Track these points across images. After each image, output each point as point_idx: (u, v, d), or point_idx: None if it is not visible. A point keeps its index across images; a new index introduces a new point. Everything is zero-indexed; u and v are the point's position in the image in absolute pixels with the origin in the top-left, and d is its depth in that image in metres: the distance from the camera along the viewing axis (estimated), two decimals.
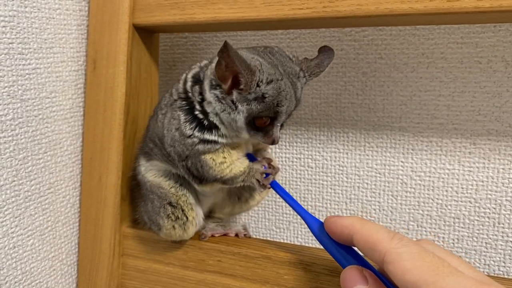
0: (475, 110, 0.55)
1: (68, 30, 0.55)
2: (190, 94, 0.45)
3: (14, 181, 0.50)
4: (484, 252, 0.57)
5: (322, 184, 0.64)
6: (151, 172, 0.51)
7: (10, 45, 0.48)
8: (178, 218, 0.49)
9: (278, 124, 0.43)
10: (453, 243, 0.59)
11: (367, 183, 0.61)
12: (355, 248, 0.38)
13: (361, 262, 0.37)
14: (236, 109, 0.42)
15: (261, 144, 0.49)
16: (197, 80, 0.45)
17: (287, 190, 0.66)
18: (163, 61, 0.70)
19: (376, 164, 0.61)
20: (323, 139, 0.63)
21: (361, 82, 0.59)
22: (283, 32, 0.62)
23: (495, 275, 0.57)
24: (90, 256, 0.57)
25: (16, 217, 0.51)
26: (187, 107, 0.45)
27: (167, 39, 0.70)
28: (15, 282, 0.51)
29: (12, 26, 0.48)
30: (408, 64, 0.57)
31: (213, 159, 0.45)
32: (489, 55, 0.54)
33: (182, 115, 0.45)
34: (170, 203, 0.49)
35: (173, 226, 0.49)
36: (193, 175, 0.47)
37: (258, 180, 0.45)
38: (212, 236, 0.53)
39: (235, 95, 0.41)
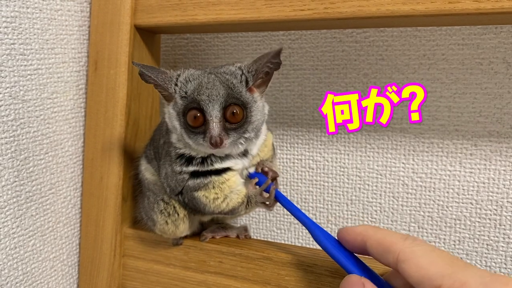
0: (476, 111, 0.55)
1: (70, 31, 0.56)
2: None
3: (15, 181, 0.50)
4: (485, 253, 0.57)
5: (323, 185, 0.64)
6: (149, 171, 0.52)
7: (12, 45, 0.48)
8: (170, 214, 0.49)
9: (212, 119, 0.41)
10: (454, 245, 0.59)
11: (368, 185, 0.61)
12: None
13: (365, 268, 0.37)
14: (170, 115, 0.44)
15: (257, 158, 0.49)
16: None
17: (288, 191, 0.66)
18: (165, 62, 0.71)
19: (377, 166, 0.61)
20: (324, 140, 0.63)
21: (362, 83, 0.59)
22: (284, 33, 0.62)
23: None
24: (91, 257, 0.57)
25: (17, 218, 0.51)
26: None
27: (168, 40, 0.70)
28: (16, 283, 0.51)
29: (14, 27, 0.48)
30: (409, 65, 0.57)
31: (206, 197, 0.46)
32: (490, 57, 0.54)
33: (173, 151, 0.47)
34: (163, 199, 0.50)
35: (166, 222, 0.50)
36: (192, 210, 0.48)
37: (263, 203, 0.46)
38: (213, 237, 0.53)
39: (171, 105, 0.44)
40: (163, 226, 0.50)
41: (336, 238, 0.40)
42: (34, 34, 0.51)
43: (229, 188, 0.46)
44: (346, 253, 0.38)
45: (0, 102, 0.48)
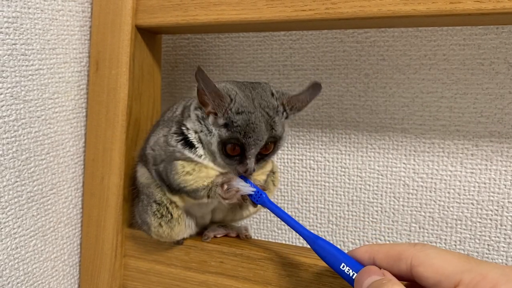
0: (478, 112, 0.55)
1: (71, 31, 0.56)
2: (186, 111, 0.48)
3: (16, 182, 0.50)
4: (486, 254, 0.57)
5: (324, 185, 0.64)
6: (144, 175, 0.52)
7: (13, 46, 0.48)
8: (163, 215, 0.49)
9: (250, 156, 0.43)
10: (455, 245, 0.59)
11: (369, 185, 0.61)
12: None
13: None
14: (210, 131, 0.44)
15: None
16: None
17: (289, 191, 0.66)
18: (166, 62, 0.71)
19: (378, 166, 0.61)
20: (325, 140, 0.63)
21: (364, 84, 0.60)
22: (285, 33, 0.62)
23: None
24: (92, 257, 0.57)
25: (18, 218, 0.51)
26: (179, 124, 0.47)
27: (169, 40, 0.70)
28: (18, 283, 0.51)
29: (15, 27, 0.48)
30: (410, 65, 0.57)
31: (183, 166, 0.46)
32: (491, 57, 0.54)
33: (174, 127, 0.47)
34: (155, 201, 0.49)
35: (160, 224, 0.49)
36: (162, 180, 0.48)
37: (220, 194, 0.45)
38: (215, 237, 0.53)
39: (210, 118, 0.44)
40: (157, 229, 0.50)
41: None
42: (36, 35, 0.51)
43: (206, 173, 0.46)
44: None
45: (2, 103, 0.48)
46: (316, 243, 0.40)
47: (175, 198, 0.49)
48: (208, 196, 0.46)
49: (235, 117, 0.42)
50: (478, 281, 0.29)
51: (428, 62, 0.56)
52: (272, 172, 0.52)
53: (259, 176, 0.48)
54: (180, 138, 0.46)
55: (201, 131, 0.45)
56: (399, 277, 0.35)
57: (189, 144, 0.46)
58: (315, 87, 0.46)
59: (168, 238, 0.51)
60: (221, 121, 0.43)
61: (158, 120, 0.53)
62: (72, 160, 0.58)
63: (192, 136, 0.46)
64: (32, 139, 0.52)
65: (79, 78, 0.57)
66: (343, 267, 0.37)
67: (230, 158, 0.44)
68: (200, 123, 0.45)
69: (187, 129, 0.46)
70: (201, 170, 0.46)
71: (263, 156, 0.45)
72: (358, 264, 0.37)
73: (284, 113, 0.44)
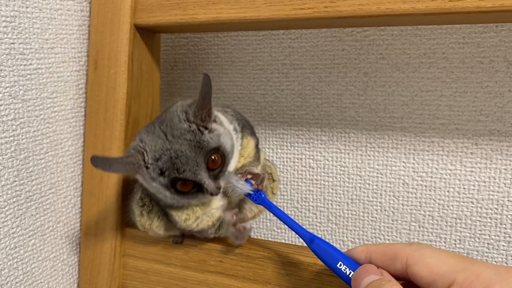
0: (477, 110, 0.55)
1: (70, 31, 0.56)
2: None
3: (15, 181, 0.50)
4: (486, 253, 0.57)
5: (324, 184, 0.64)
6: None
7: (12, 45, 0.48)
8: (145, 204, 0.49)
9: (202, 181, 0.42)
10: (455, 244, 0.58)
11: (368, 184, 0.61)
12: None
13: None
14: (158, 188, 0.43)
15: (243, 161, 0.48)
16: None
17: (289, 190, 0.66)
18: (165, 62, 0.71)
19: (377, 165, 0.60)
20: (324, 139, 0.63)
21: (363, 82, 0.59)
22: (284, 32, 0.62)
23: None
24: (91, 257, 0.57)
25: (17, 217, 0.51)
26: None
27: (168, 40, 0.70)
28: (16, 283, 0.51)
29: (14, 27, 0.48)
30: (409, 64, 0.57)
31: (178, 216, 0.46)
32: (491, 55, 0.54)
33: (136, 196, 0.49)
34: (141, 191, 0.49)
35: (141, 213, 0.49)
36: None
37: (235, 235, 0.46)
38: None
39: (145, 179, 0.43)
40: (139, 218, 0.50)
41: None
42: (34, 34, 0.51)
43: (202, 211, 0.46)
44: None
45: (0, 102, 0.48)
46: (314, 242, 0.40)
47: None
48: (216, 232, 0.47)
49: (159, 164, 0.41)
50: (472, 280, 0.29)
51: (428, 60, 0.56)
52: (272, 180, 0.52)
53: (247, 159, 0.47)
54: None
55: (163, 195, 0.44)
56: (395, 277, 0.35)
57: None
58: (204, 80, 0.41)
59: (151, 231, 0.50)
60: (152, 175, 0.42)
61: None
62: (71, 160, 0.58)
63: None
64: (30, 139, 0.52)
65: (77, 77, 0.57)
66: (340, 265, 0.37)
67: (192, 193, 0.43)
68: (156, 190, 0.44)
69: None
70: (194, 211, 0.46)
71: (218, 169, 0.43)
72: (355, 263, 0.37)
73: (200, 128, 0.42)
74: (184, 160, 0.41)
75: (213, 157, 0.42)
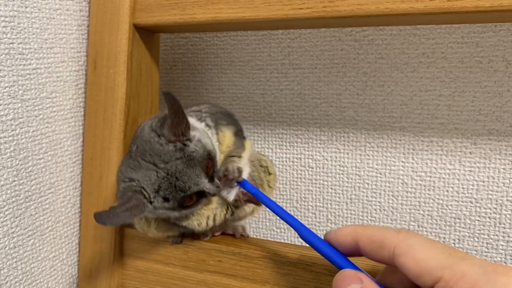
0: (476, 110, 0.55)
1: (69, 30, 0.56)
2: None
3: (14, 181, 0.50)
4: (485, 252, 0.57)
5: (323, 184, 0.64)
6: None
7: (11, 45, 0.48)
8: None
9: (204, 188, 0.42)
10: (454, 243, 0.59)
11: (367, 183, 0.61)
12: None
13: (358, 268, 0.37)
14: (165, 213, 0.43)
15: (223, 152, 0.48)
16: None
17: (288, 190, 0.66)
18: (164, 61, 0.71)
19: (376, 164, 0.60)
20: (323, 139, 0.63)
21: (362, 82, 0.59)
22: (283, 32, 0.62)
23: None
24: (90, 256, 0.57)
25: (16, 217, 0.51)
26: None
27: (167, 39, 0.70)
28: (16, 282, 0.51)
29: (13, 26, 0.48)
30: (408, 64, 0.57)
31: (190, 224, 0.47)
32: (489, 55, 0.54)
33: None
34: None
35: (140, 217, 0.49)
36: None
37: (248, 201, 0.46)
38: (213, 235, 0.53)
39: (147, 211, 0.42)
40: (137, 221, 0.49)
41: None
42: (33, 34, 0.51)
43: (209, 210, 0.46)
44: (336, 251, 0.37)
45: None
46: (302, 231, 0.40)
47: None
48: (238, 210, 0.48)
49: (161, 194, 0.41)
50: (458, 279, 0.29)
51: (426, 60, 0.56)
52: (268, 173, 0.52)
53: (228, 149, 0.48)
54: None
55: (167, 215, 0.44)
56: (382, 263, 0.34)
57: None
58: (168, 99, 0.39)
59: (150, 233, 0.50)
60: (157, 205, 0.41)
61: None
62: (70, 159, 0.58)
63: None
64: (30, 138, 0.52)
65: (77, 77, 0.57)
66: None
67: (195, 202, 0.43)
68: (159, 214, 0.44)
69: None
70: (202, 214, 0.46)
71: (211, 170, 0.43)
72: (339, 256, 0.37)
73: (185, 142, 0.42)
74: (185, 178, 0.41)
75: (206, 163, 0.42)
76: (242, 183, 0.45)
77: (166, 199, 0.41)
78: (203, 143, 0.43)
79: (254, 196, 0.44)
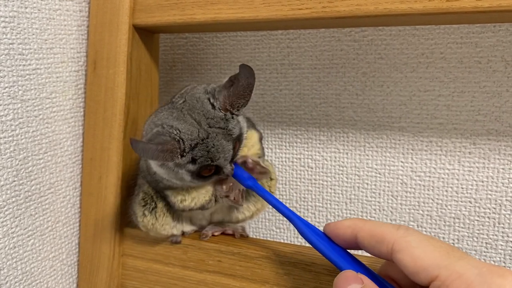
0: (475, 110, 0.55)
1: (69, 31, 0.56)
2: None
3: (14, 181, 0.50)
4: (484, 252, 0.57)
5: (322, 184, 0.64)
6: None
7: (11, 45, 0.48)
8: (148, 203, 0.49)
9: (225, 166, 0.43)
10: (453, 243, 0.59)
11: (367, 183, 0.61)
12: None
13: (356, 262, 0.37)
14: (177, 172, 0.42)
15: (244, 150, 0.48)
16: None
17: (288, 190, 0.66)
18: (163, 62, 0.71)
19: (376, 164, 0.61)
20: (323, 139, 0.63)
21: (361, 82, 0.60)
22: (282, 32, 0.62)
23: None
24: (90, 256, 0.58)
25: (16, 217, 0.51)
26: None
27: (167, 40, 0.70)
28: (16, 282, 0.51)
29: (13, 27, 0.48)
30: (407, 64, 0.57)
31: (174, 196, 0.47)
32: (488, 55, 0.54)
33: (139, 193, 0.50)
34: (143, 190, 0.50)
35: (144, 213, 0.49)
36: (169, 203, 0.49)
37: (230, 200, 0.46)
38: (212, 235, 0.53)
39: (170, 164, 0.42)
40: (142, 219, 0.50)
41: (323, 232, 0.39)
42: (33, 34, 0.51)
43: (196, 190, 0.46)
44: (336, 248, 0.38)
45: None
46: (304, 228, 0.40)
47: (185, 213, 0.50)
48: (215, 204, 0.47)
49: (194, 153, 0.41)
50: (454, 279, 0.29)
51: (426, 60, 0.56)
52: (270, 178, 0.52)
53: (252, 150, 0.48)
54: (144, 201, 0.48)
55: (168, 174, 0.44)
56: (380, 257, 0.35)
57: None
58: (246, 71, 0.42)
59: (154, 230, 0.50)
60: (182, 162, 0.41)
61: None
62: (70, 160, 0.58)
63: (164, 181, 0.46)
64: (29, 139, 0.52)
65: (76, 78, 0.57)
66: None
67: (210, 176, 0.44)
68: (162, 168, 0.43)
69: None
70: (189, 192, 0.46)
71: (235, 153, 0.44)
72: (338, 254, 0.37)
73: (233, 116, 0.43)
74: (220, 149, 0.41)
75: (236, 144, 0.43)
76: (253, 184, 0.44)
77: (193, 160, 0.41)
78: (241, 125, 0.44)
79: (260, 194, 0.44)
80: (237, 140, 0.43)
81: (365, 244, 0.35)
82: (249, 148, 0.48)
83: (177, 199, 0.47)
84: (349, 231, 0.36)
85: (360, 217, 0.63)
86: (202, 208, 0.47)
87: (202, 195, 0.46)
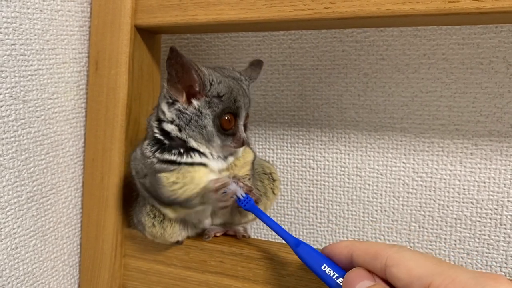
0: (477, 111, 0.55)
1: (70, 32, 0.56)
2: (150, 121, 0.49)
3: (16, 182, 0.50)
4: (486, 253, 0.57)
5: (324, 185, 0.64)
6: None
7: (13, 46, 0.48)
8: (156, 216, 0.50)
9: (241, 123, 0.46)
10: (455, 244, 0.59)
11: (368, 184, 0.61)
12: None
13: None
14: (201, 114, 0.45)
15: (235, 168, 0.49)
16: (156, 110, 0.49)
17: (289, 191, 0.66)
18: (165, 62, 0.70)
19: (377, 165, 0.61)
20: (324, 140, 0.63)
21: (363, 83, 0.60)
22: (284, 33, 0.62)
23: None
24: (92, 257, 0.58)
25: (18, 218, 0.51)
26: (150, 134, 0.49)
27: (169, 40, 0.70)
28: (17, 283, 0.51)
29: (15, 28, 0.48)
30: (409, 65, 0.57)
31: (166, 178, 0.46)
32: (490, 56, 0.54)
33: (146, 141, 0.48)
34: (149, 202, 0.50)
35: (153, 224, 0.50)
36: (150, 193, 0.49)
37: (216, 199, 0.44)
38: (215, 235, 0.53)
39: (195, 102, 0.45)
40: (151, 229, 0.50)
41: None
42: (35, 35, 0.51)
43: (191, 179, 0.46)
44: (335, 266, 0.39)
45: (1, 103, 0.48)
46: (299, 247, 0.41)
47: (166, 210, 0.49)
48: (203, 203, 0.46)
49: (219, 87, 0.45)
50: (447, 284, 0.29)
51: (427, 61, 0.56)
52: (273, 179, 0.52)
53: (242, 170, 0.48)
54: (155, 148, 0.47)
55: (190, 121, 0.45)
56: (375, 274, 0.35)
57: (166, 149, 0.46)
58: (257, 62, 0.52)
59: (162, 239, 0.51)
60: (208, 98, 0.44)
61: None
62: (72, 160, 0.58)
63: (170, 128, 0.46)
64: (31, 139, 0.52)
65: (78, 78, 0.57)
66: (324, 267, 0.38)
67: (226, 135, 0.45)
68: (186, 114, 0.45)
69: (164, 133, 0.47)
70: (185, 176, 0.45)
71: (245, 126, 0.48)
72: (339, 268, 0.38)
73: (246, 82, 0.48)
74: (241, 93, 0.46)
75: (248, 114, 0.48)
76: (250, 202, 0.45)
77: (219, 96, 0.45)
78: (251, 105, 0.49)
79: (258, 216, 0.45)
80: (249, 103, 0.48)
81: (360, 261, 0.36)
82: (240, 168, 0.48)
83: (169, 181, 0.45)
84: (346, 250, 0.37)
85: (361, 218, 0.63)
86: (187, 201, 0.46)
87: (193, 185, 0.45)
